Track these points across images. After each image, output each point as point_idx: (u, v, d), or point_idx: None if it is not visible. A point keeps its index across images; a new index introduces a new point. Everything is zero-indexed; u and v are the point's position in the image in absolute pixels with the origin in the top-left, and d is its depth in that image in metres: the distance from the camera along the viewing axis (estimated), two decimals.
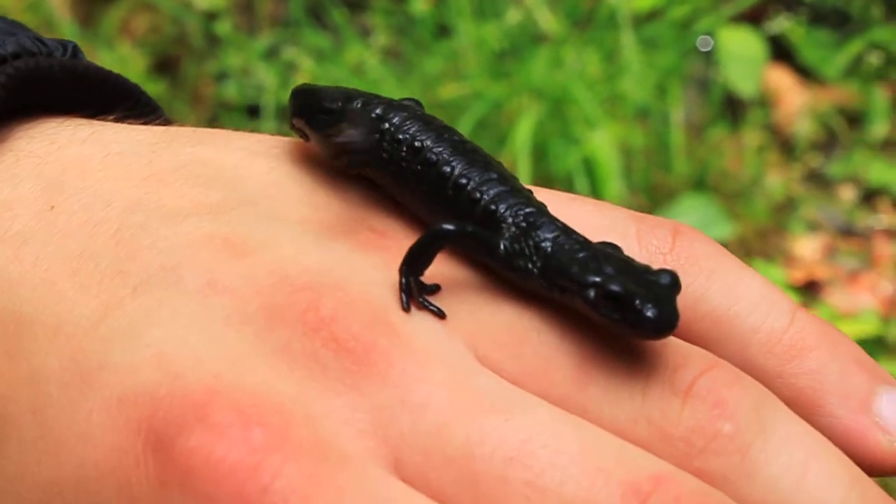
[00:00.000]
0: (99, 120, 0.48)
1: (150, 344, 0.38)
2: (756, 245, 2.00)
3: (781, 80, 2.16)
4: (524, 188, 0.45)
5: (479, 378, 0.39)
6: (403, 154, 0.45)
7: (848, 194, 2.08)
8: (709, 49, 2.14)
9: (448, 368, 0.39)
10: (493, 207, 0.44)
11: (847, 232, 2.04)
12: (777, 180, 2.06)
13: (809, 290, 1.96)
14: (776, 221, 2.03)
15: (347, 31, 2.17)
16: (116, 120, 0.48)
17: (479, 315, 0.41)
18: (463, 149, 0.45)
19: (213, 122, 2.23)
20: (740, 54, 2.06)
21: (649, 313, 0.40)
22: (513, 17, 2.10)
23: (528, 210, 0.44)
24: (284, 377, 0.38)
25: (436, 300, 0.41)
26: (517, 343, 0.41)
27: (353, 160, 0.45)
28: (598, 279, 0.41)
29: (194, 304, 0.39)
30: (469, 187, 0.44)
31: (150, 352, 0.38)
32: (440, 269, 0.42)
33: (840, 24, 2.21)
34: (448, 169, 0.45)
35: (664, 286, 0.41)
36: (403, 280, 0.41)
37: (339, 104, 0.47)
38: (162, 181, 0.44)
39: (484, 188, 0.44)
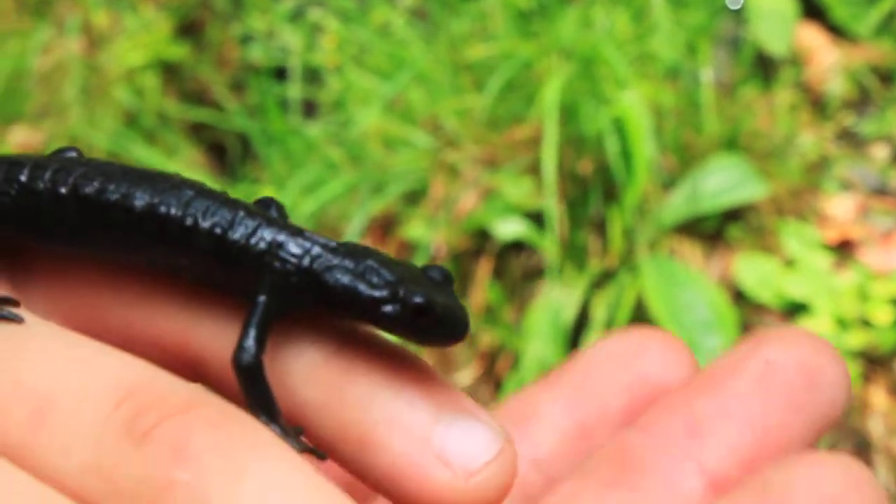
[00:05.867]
0: None
1: None
2: (789, 205, 1.98)
3: (813, 38, 2.13)
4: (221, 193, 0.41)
5: None
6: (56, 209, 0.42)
7: (881, 153, 2.06)
8: (738, 7, 2.11)
9: None
10: (232, 238, 0.40)
11: (880, 191, 2.02)
12: (809, 139, 2.04)
13: (843, 250, 1.95)
14: (809, 181, 2.01)
15: None
16: None
17: None
18: (142, 175, 0.41)
19: (240, 84, 2.21)
20: (771, 12, 2.03)
21: (458, 323, 0.38)
22: None
23: (254, 223, 0.40)
24: None
25: None
26: None
27: None
28: (391, 293, 0.38)
29: None
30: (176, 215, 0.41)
31: None
32: None
33: None
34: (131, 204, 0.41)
35: (448, 288, 0.39)
36: (278, 428, 0.38)
37: None
38: None
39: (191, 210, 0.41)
